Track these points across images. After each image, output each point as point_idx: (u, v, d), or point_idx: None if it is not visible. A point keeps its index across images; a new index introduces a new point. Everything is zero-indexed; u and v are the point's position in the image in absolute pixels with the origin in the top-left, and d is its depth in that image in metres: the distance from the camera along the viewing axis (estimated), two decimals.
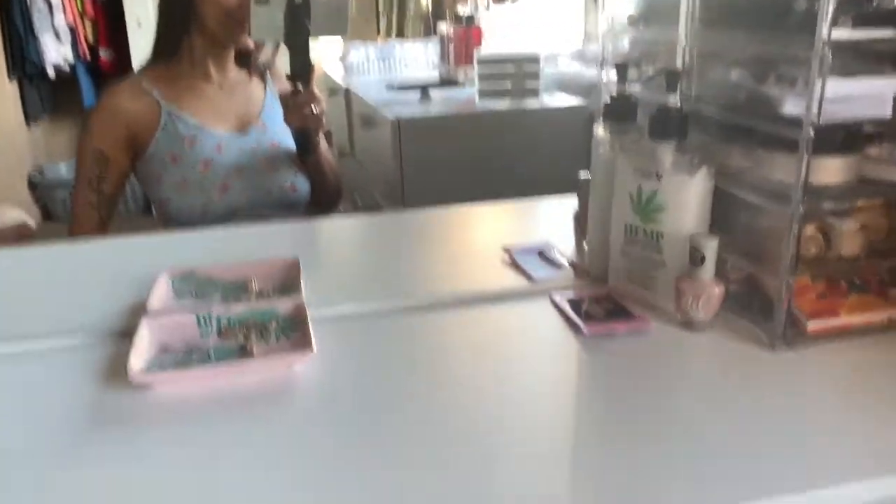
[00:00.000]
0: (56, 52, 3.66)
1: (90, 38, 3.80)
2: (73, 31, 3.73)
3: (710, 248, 0.82)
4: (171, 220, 1.46)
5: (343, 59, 2.90)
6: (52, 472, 0.65)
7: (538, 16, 2.30)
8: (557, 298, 0.94)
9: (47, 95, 3.92)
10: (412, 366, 0.81)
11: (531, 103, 1.97)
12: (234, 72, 1.53)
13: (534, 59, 2.00)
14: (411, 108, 1.97)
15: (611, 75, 1.00)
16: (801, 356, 0.79)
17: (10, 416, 0.73)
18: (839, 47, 0.71)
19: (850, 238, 0.81)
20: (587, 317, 0.88)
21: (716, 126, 0.90)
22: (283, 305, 0.89)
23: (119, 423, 0.71)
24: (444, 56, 2.44)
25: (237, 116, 1.51)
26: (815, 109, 0.72)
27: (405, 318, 0.91)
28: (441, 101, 2.08)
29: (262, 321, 0.87)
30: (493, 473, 0.64)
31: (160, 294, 0.93)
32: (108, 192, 1.44)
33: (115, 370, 0.78)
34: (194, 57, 1.46)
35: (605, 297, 0.94)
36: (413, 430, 0.69)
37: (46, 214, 4.00)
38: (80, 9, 3.73)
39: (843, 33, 0.71)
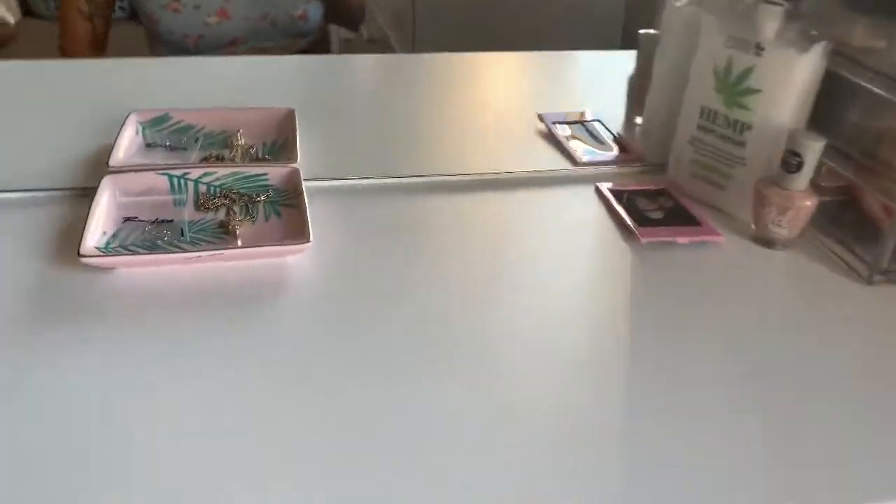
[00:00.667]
0: None
1: None
2: None
3: (813, 150, 0.65)
4: (158, 41, 1.26)
5: None
6: None
7: None
8: (605, 189, 0.78)
9: None
10: (422, 258, 0.67)
11: None
12: None
13: None
14: None
15: None
16: None
17: None
18: None
19: None
20: (640, 217, 0.73)
21: None
22: (275, 173, 0.72)
23: (68, 313, 0.57)
24: None
25: None
26: None
27: (416, 198, 0.76)
28: None
29: (248, 191, 0.71)
30: (514, 388, 0.52)
31: (126, 142, 0.76)
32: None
33: (69, 242, 0.64)
34: None
35: (661, 191, 0.78)
36: (421, 338, 0.56)
37: (27, 10, 3.67)
38: None
39: None
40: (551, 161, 0.84)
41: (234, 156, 0.78)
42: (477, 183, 0.79)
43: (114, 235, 0.64)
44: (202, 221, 0.67)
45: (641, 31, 0.88)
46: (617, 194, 0.77)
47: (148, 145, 0.78)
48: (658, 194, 0.77)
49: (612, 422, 0.51)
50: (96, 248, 0.61)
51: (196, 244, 0.64)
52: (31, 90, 0.95)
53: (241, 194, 0.71)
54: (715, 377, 0.55)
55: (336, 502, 0.45)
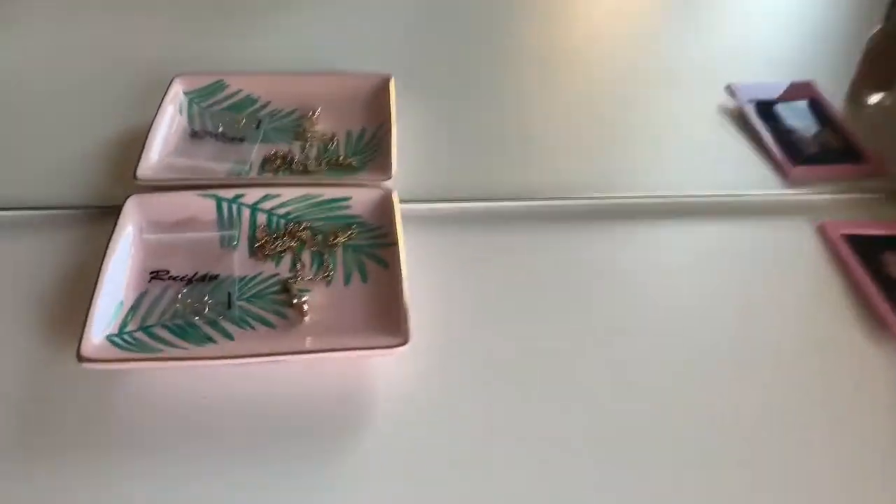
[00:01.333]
0: None
1: None
2: None
3: None
4: None
5: None
6: None
7: None
8: (835, 232, 0.53)
9: None
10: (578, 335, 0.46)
11: None
12: None
13: None
14: None
15: None
16: None
17: None
18: None
19: None
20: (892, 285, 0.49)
21: None
22: (360, 197, 0.51)
23: (59, 428, 0.40)
24: None
25: None
26: None
27: (553, 232, 0.53)
28: None
29: (324, 227, 0.51)
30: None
31: (165, 128, 0.56)
32: None
33: (69, 314, 0.45)
34: None
35: None
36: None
37: None
38: None
39: None
40: (743, 171, 0.59)
41: (307, 154, 0.57)
42: (634, 208, 0.55)
43: (133, 308, 0.45)
44: (258, 281, 0.47)
45: None
46: (858, 244, 0.52)
47: (194, 133, 0.57)
48: None
49: None
50: (108, 337, 0.42)
51: (245, 325, 0.44)
52: (53, 39, 0.74)
53: (314, 232, 0.50)
54: None
55: None
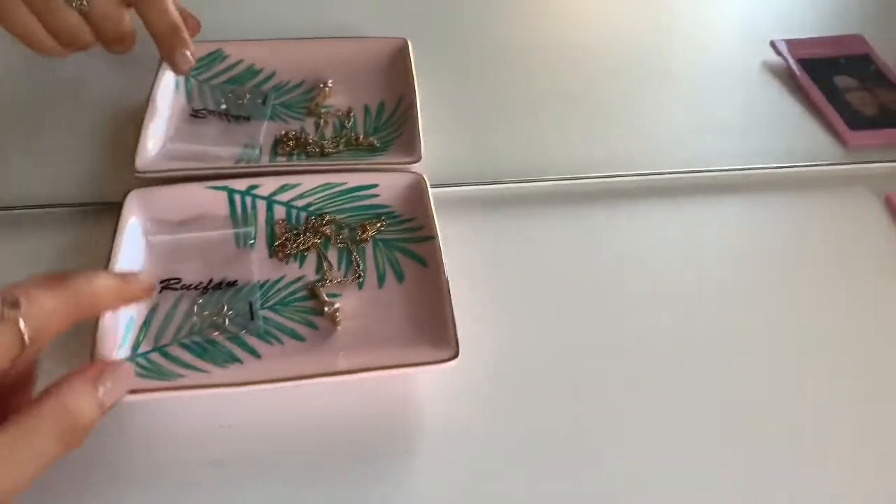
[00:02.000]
0: None
1: None
2: None
3: None
4: None
5: None
6: None
7: None
8: None
9: None
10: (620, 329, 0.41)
11: None
12: None
13: None
14: None
15: None
16: None
17: None
18: None
19: None
20: None
21: None
22: (387, 183, 0.46)
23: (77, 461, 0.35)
24: None
25: None
26: None
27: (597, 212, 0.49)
28: None
29: (350, 220, 0.46)
30: None
31: (163, 108, 0.50)
32: None
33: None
34: None
35: None
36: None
37: None
38: None
39: None
40: (797, 138, 0.54)
41: (322, 133, 0.51)
42: (683, 183, 0.50)
43: (145, 324, 0.40)
44: (281, 286, 0.42)
45: None
46: None
47: (195, 113, 0.51)
48: None
49: None
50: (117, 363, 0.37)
51: (272, 339, 0.40)
52: None
53: (339, 226, 0.45)
54: None
55: None
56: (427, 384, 0.39)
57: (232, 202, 0.45)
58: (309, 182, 0.46)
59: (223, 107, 0.52)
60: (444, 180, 0.48)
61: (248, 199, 0.45)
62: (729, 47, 0.61)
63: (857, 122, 0.54)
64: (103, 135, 0.51)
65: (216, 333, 0.39)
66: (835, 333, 0.43)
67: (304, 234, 0.44)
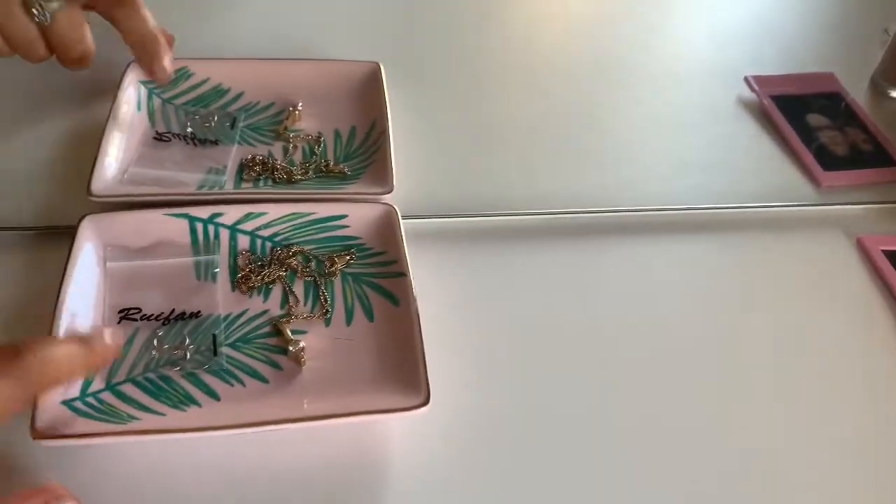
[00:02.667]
0: None
1: None
2: None
3: None
4: None
5: None
6: None
7: None
8: (873, 247, 0.49)
9: None
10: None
11: None
12: None
13: None
14: None
15: None
16: None
17: None
18: None
19: None
20: None
21: None
22: (357, 215, 0.44)
23: None
24: None
25: None
26: None
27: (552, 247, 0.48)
28: None
29: (318, 252, 0.44)
30: None
31: (123, 129, 0.48)
32: None
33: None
34: None
35: None
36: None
37: None
38: None
39: None
40: (771, 176, 0.54)
41: (291, 158, 0.49)
42: (653, 221, 0.50)
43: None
44: (244, 321, 0.41)
45: None
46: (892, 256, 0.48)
47: (158, 136, 0.49)
48: None
49: None
50: (68, 403, 0.35)
51: (233, 379, 0.38)
52: None
53: (307, 258, 0.44)
54: None
55: None
56: (396, 428, 0.37)
57: (193, 231, 0.43)
58: (275, 211, 0.44)
59: (189, 130, 0.50)
60: (416, 212, 0.47)
61: (211, 228, 0.43)
62: (704, 83, 0.61)
63: (829, 162, 0.54)
64: (63, 156, 0.48)
65: (177, 369, 0.37)
66: (806, 375, 0.43)
67: (270, 266, 0.43)
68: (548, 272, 0.46)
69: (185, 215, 0.43)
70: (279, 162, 0.49)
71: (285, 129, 0.51)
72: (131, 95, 0.49)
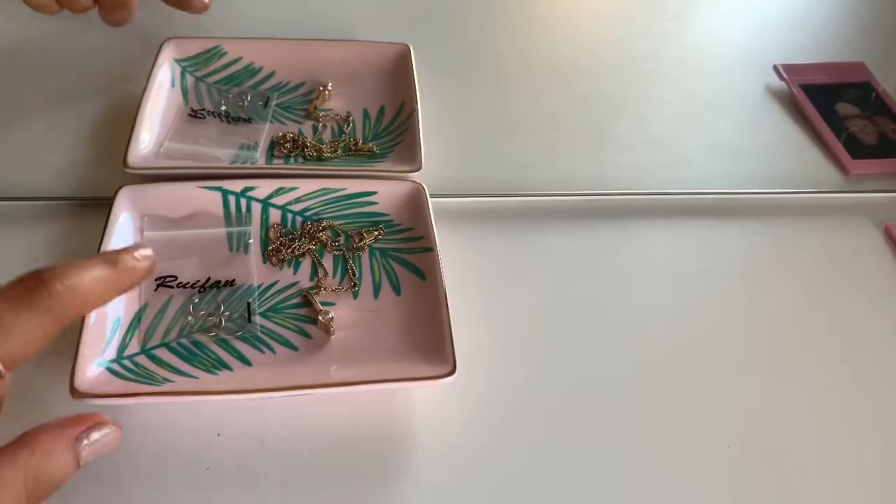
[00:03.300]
0: None
1: None
2: None
3: None
4: None
5: None
6: None
7: None
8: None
9: None
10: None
11: None
12: None
13: None
14: None
15: None
16: None
17: None
18: None
19: None
20: None
21: None
22: (386, 192, 0.45)
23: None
24: None
25: None
26: None
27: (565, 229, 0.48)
28: None
29: (347, 227, 0.45)
30: None
31: (158, 106, 0.49)
32: None
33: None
34: None
35: None
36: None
37: None
38: None
39: None
40: (798, 163, 0.54)
41: (321, 136, 0.50)
42: (681, 206, 0.50)
43: (133, 324, 0.39)
44: (274, 291, 0.42)
45: None
46: None
47: (193, 113, 0.50)
48: None
49: None
50: (106, 364, 0.36)
51: (264, 346, 0.39)
52: None
53: (336, 233, 0.44)
54: None
55: None
56: (422, 399, 0.38)
57: (226, 203, 0.44)
58: (306, 186, 0.45)
59: (223, 108, 0.51)
60: (443, 190, 0.47)
61: (244, 201, 0.44)
62: (733, 71, 0.61)
63: (857, 150, 0.54)
64: (101, 130, 0.50)
65: (210, 335, 0.38)
66: (831, 361, 0.43)
67: (300, 240, 0.44)
68: (574, 253, 0.46)
69: (219, 188, 0.44)
70: (309, 140, 0.49)
71: (315, 108, 0.52)
72: (166, 73, 0.51)
